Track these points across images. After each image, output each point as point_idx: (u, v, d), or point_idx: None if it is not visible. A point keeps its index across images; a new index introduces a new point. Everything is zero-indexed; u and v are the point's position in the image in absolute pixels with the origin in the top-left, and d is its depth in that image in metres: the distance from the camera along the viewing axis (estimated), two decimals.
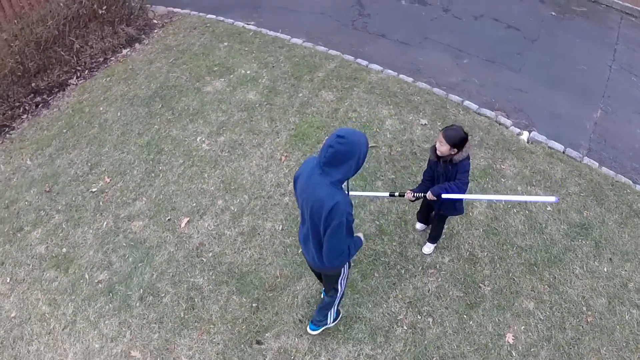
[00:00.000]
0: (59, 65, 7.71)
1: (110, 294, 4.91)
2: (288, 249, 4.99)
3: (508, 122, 6.13)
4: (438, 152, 3.85)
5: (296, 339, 4.39)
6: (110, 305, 4.83)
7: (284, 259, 4.92)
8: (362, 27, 7.92)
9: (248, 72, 7.13)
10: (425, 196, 4.05)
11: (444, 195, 3.87)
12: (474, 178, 5.43)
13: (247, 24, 8.23)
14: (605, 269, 4.87)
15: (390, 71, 6.94)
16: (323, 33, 7.87)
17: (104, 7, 7.85)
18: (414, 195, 4.11)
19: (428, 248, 4.90)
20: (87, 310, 4.82)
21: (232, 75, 7.09)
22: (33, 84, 7.52)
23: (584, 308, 4.57)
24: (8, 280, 5.19)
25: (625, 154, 6.02)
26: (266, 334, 4.44)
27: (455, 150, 3.76)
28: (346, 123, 6.14)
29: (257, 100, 6.61)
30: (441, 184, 3.96)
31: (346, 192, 3.01)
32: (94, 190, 5.97)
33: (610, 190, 5.55)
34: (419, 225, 5.07)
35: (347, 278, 3.81)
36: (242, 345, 4.39)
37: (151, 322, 4.67)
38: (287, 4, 8.67)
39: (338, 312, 4.33)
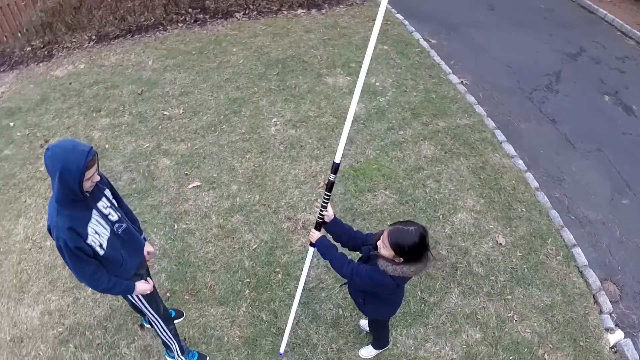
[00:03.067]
0: None
1: None
2: (240, 271, 4.25)
3: (608, 306, 4.24)
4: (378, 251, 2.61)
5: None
6: None
7: (229, 278, 4.20)
8: (538, 100, 6.37)
9: (377, 84, 6.29)
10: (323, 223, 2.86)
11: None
12: (494, 347, 3.90)
13: (425, 40, 7.27)
14: None
15: (521, 163, 5.41)
16: (490, 85, 6.55)
17: None
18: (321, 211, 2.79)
19: (366, 351, 3.70)
20: None
21: None
22: (207, 2, 7.77)
23: None
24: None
25: None
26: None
27: (402, 259, 2.48)
28: (415, 188, 4.97)
29: (357, 116, 5.77)
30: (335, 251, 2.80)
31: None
32: (166, 113, 5.96)
33: None
34: (362, 322, 3.89)
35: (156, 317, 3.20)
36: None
37: None
38: (482, 40, 7.46)
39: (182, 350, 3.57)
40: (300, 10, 7.83)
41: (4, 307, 4.28)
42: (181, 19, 7.52)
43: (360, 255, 2.84)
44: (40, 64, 7.07)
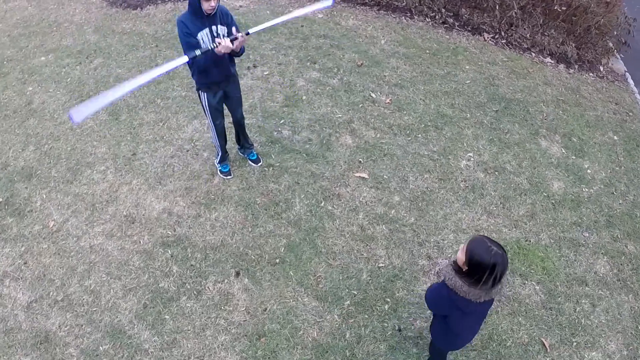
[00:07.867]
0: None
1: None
2: (353, 280, 4.18)
3: None
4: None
5: None
6: None
7: (339, 280, 4.18)
8: None
9: (589, 171, 5.48)
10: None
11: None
12: None
13: None
14: None
15: None
16: None
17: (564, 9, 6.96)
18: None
19: None
20: None
21: (575, 159, 5.65)
22: (463, 9, 7.51)
23: None
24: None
25: None
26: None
27: (466, 269, 2.55)
28: (567, 299, 4.27)
29: (552, 193, 5.21)
30: None
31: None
32: (373, 95, 6.06)
33: None
34: None
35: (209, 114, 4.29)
36: None
37: None
38: None
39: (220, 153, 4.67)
40: (548, 60, 7.22)
41: (137, 186, 4.71)
42: (431, 14, 7.38)
43: None
44: None
